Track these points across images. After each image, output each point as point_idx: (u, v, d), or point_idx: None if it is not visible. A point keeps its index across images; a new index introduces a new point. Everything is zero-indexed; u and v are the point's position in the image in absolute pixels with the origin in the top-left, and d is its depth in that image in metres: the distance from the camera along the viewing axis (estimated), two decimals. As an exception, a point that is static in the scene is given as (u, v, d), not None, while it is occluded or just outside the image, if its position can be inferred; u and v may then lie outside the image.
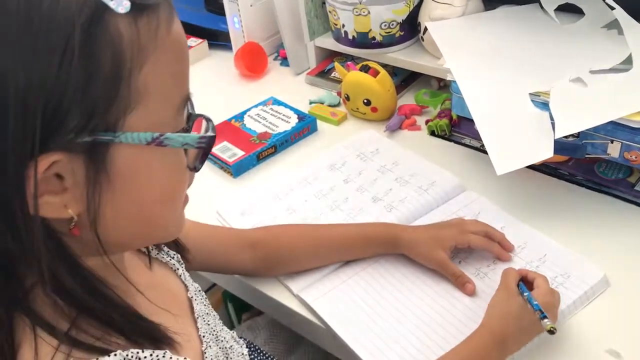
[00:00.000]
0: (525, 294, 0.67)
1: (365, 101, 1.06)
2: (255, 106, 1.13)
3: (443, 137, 1.03)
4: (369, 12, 1.07)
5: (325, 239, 0.80)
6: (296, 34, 1.22)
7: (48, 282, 0.41)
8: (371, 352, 0.69)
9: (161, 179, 0.45)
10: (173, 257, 0.63)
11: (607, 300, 0.73)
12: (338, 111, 1.12)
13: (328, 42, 1.21)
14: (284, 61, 1.30)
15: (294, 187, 0.95)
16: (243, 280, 0.81)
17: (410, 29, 1.11)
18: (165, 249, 0.63)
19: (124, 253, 0.53)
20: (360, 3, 1.06)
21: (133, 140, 0.41)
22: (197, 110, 0.48)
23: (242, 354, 0.65)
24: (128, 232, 0.46)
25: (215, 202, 0.93)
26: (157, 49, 0.41)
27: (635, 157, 0.79)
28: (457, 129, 1.02)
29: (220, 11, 1.31)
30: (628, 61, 0.85)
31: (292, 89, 1.21)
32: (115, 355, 0.43)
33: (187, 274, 0.64)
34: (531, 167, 0.89)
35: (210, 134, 0.46)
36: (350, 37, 1.13)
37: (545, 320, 0.63)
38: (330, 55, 1.26)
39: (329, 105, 1.15)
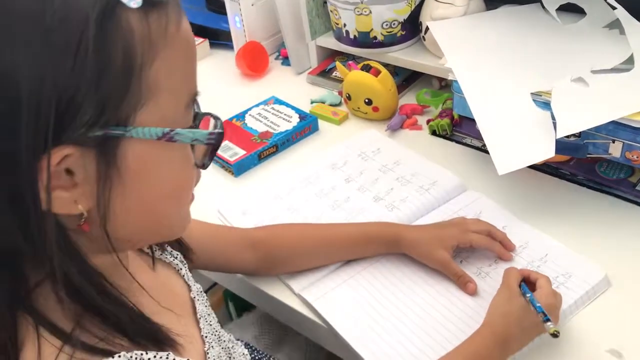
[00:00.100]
0: (528, 295, 0.66)
1: (367, 101, 1.06)
2: (257, 105, 1.13)
3: (444, 137, 1.03)
4: (370, 12, 1.07)
5: (327, 239, 0.80)
6: (297, 33, 1.22)
7: (59, 281, 0.41)
8: (372, 351, 0.69)
9: (170, 175, 0.46)
10: (176, 257, 0.63)
11: (608, 300, 0.73)
12: (339, 111, 1.12)
13: (329, 41, 1.21)
14: (285, 60, 1.30)
15: (295, 186, 0.95)
16: (244, 280, 0.81)
17: (412, 28, 1.11)
18: (169, 249, 0.63)
19: (128, 253, 0.53)
20: (362, 2, 1.06)
21: (144, 135, 0.41)
22: (200, 109, 0.49)
23: (243, 354, 0.65)
24: (135, 228, 0.47)
25: (216, 201, 0.93)
26: (167, 46, 0.41)
27: (637, 157, 0.79)
28: (459, 128, 1.02)
29: (221, 10, 1.31)
30: (630, 61, 0.85)
31: (294, 89, 1.21)
32: (119, 356, 0.43)
33: (189, 274, 0.64)
34: (532, 166, 0.89)
35: (219, 130, 0.46)
36: (351, 36, 1.13)
37: (549, 323, 0.63)
38: (331, 55, 1.26)
39: (330, 105, 1.15)
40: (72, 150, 0.39)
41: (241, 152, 1.01)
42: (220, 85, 1.27)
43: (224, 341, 0.61)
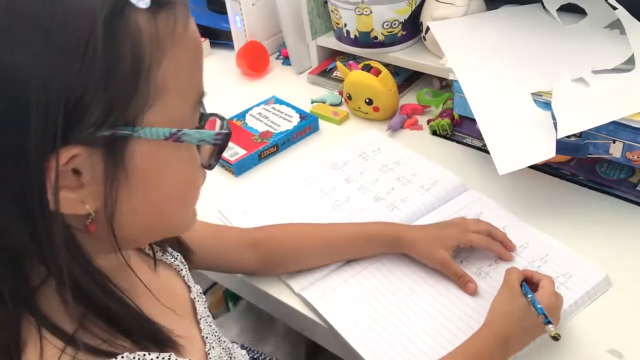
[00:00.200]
0: (529, 295, 0.66)
1: (367, 100, 1.06)
2: (257, 105, 1.13)
3: (445, 137, 1.03)
4: (371, 12, 1.07)
5: (327, 238, 0.80)
6: (298, 33, 1.22)
7: (66, 281, 0.41)
8: (373, 351, 0.69)
9: (177, 176, 0.46)
10: (177, 258, 0.63)
11: (608, 300, 0.73)
12: (340, 110, 1.12)
13: (330, 41, 1.21)
14: (286, 60, 1.30)
15: (295, 186, 0.95)
16: (244, 280, 0.81)
17: (413, 28, 1.11)
18: (170, 250, 0.63)
19: (130, 254, 0.53)
20: (363, 2, 1.06)
21: (152, 135, 0.41)
22: (205, 110, 0.49)
23: (242, 354, 0.65)
24: (142, 228, 0.47)
25: (216, 200, 0.93)
26: (175, 46, 0.42)
27: (637, 157, 0.79)
28: (459, 128, 1.02)
29: (222, 10, 1.31)
30: (630, 61, 0.85)
31: (294, 88, 1.22)
32: (122, 358, 0.43)
33: (190, 275, 0.64)
34: (533, 166, 0.89)
35: (225, 131, 0.46)
36: (352, 36, 1.13)
37: (550, 325, 0.63)
38: (332, 55, 1.26)
39: (331, 105, 1.15)
40: (80, 150, 0.39)
41: (242, 152, 1.01)
42: (220, 85, 1.26)
43: (224, 342, 0.61)
